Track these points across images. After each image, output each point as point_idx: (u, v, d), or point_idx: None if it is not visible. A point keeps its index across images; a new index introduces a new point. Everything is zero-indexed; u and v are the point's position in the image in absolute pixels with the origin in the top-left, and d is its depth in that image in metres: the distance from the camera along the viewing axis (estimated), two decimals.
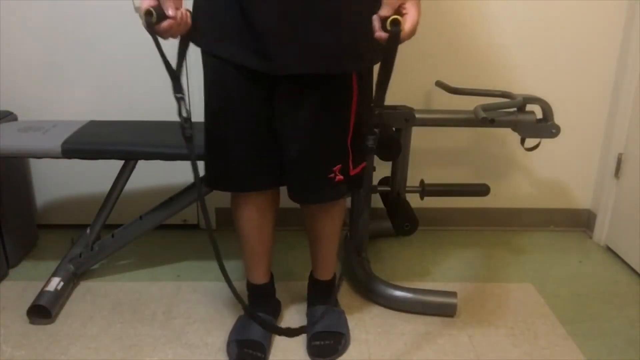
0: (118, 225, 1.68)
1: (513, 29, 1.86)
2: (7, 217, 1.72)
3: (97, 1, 1.77)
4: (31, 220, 1.92)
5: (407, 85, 1.91)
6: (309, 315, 1.49)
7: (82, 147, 1.50)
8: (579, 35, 1.88)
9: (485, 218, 2.10)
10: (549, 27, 1.87)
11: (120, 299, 1.61)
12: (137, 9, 1.78)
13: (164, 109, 1.81)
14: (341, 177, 1.25)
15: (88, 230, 1.67)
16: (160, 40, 1.03)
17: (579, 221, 2.11)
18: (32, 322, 1.49)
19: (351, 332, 1.47)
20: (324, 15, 1.09)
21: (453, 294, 1.55)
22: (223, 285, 1.68)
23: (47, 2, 1.77)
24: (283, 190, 1.32)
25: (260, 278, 1.45)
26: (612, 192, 1.95)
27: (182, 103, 1.09)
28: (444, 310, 1.54)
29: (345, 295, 1.64)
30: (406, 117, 1.57)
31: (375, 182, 1.73)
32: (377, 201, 1.77)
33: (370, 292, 1.61)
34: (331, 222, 1.40)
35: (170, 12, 1.00)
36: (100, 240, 1.67)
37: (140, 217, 1.65)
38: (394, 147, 1.48)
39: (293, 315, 1.54)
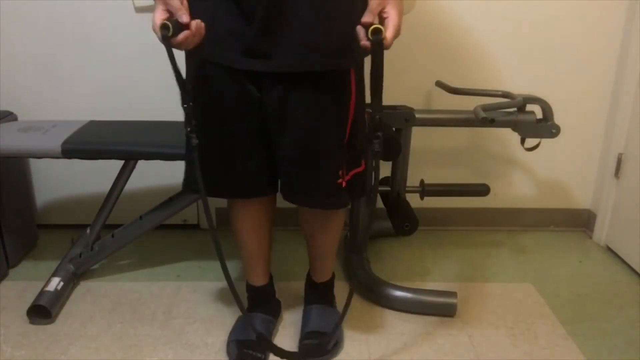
0: (118, 225, 1.68)
1: (513, 29, 1.86)
2: (7, 217, 1.72)
3: (97, 1, 1.77)
4: (31, 220, 1.92)
5: (407, 85, 1.91)
6: (304, 314, 1.47)
7: (82, 147, 1.50)
8: (579, 35, 1.88)
9: (485, 218, 2.10)
10: (549, 27, 1.87)
11: (120, 299, 1.62)
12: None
13: (164, 109, 1.81)
14: (341, 182, 1.22)
15: (88, 230, 1.67)
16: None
17: (579, 221, 2.11)
18: (32, 322, 1.49)
19: (351, 332, 1.47)
20: (317, 10, 1.07)
21: (453, 294, 1.55)
22: (223, 285, 1.69)
23: (47, 2, 1.77)
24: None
25: (259, 279, 1.45)
26: (612, 192, 1.95)
27: (189, 115, 1.07)
28: (444, 310, 1.54)
29: (345, 295, 1.63)
30: (406, 117, 1.57)
31: None
32: (377, 201, 1.76)
33: (370, 292, 1.61)
34: (330, 234, 1.39)
35: (184, 18, 0.99)
36: (100, 240, 1.67)
37: (140, 217, 1.65)
38: (394, 147, 1.48)
39: (293, 316, 1.53)
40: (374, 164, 1.16)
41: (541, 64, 1.91)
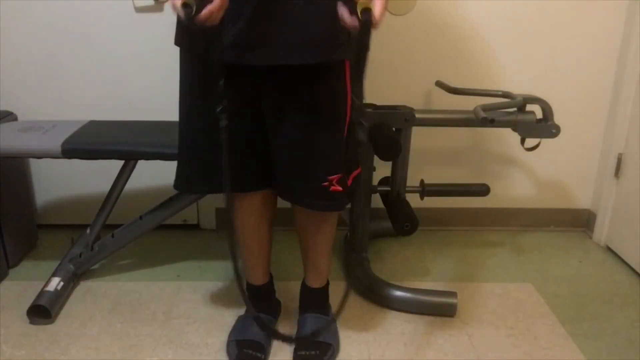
0: (118, 225, 1.68)
1: (513, 29, 1.86)
2: (7, 217, 1.72)
3: (97, 1, 1.77)
4: (31, 220, 1.92)
5: (407, 85, 1.91)
6: (299, 322, 1.44)
7: (82, 147, 1.50)
8: (579, 35, 1.88)
9: (485, 218, 2.10)
10: (549, 27, 1.87)
11: (120, 299, 1.62)
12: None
13: (164, 109, 1.81)
14: (338, 187, 1.21)
15: (88, 230, 1.67)
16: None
17: (579, 221, 2.11)
18: (32, 322, 1.49)
19: (351, 332, 1.47)
20: (308, 1, 1.05)
21: (453, 294, 1.55)
22: (223, 285, 1.69)
23: (47, 2, 1.77)
24: None
25: (259, 279, 1.45)
26: (612, 192, 1.95)
27: (220, 93, 1.06)
28: (444, 310, 1.54)
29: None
30: (406, 117, 1.57)
31: (375, 182, 1.73)
32: (377, 201, 1.77)
33: (370, 292, 1.61)
34: (322, 235, 1.37)
35: None
36: (100, 240, 1.67)
37: (140, 217, 1.65)
38: (394, 147, 1.48)
39: (293, 315, 1.53)
40: (357, 152, 1.11)
41: (541, 64, 1.91)
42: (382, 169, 1.72)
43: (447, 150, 2.01)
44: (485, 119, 1.45)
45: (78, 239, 1.78)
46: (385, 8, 0.96)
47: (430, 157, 2.02)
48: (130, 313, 1.55)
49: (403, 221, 1.56)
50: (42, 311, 1.49)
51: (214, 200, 2.00)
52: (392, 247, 1.95)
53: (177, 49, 1.20)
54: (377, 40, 1.79)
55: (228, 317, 1.52)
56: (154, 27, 1.80)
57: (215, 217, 2.06)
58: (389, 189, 1.69)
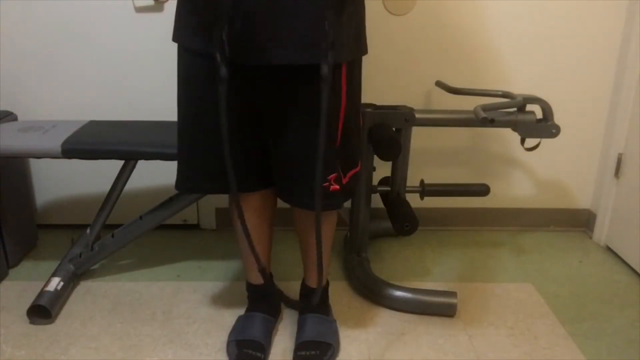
0: (118, 225, 1.68)
1: (513, 29, 1.86)
2: (7, 217, 1.72)
3: (97, 1, 1.78)
4: (31, 220, 1.92)
5: (407, 85, 1.91)
6: (299, 323, 1.44)
7: (82, 147, 1.50)
8: (579, 35, 1.88)
9: (485, 218, 2.10)
10: (548, 27, 1.87)
11: (120, 299, 1.62)
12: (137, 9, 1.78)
13: (164, 109, 1.82)
14: (336, 186, 1.21)
15: (88, 230, 1.67)
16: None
17: (579, 221, 2.11)
18: (32, 322, 1.49)
19: (351, 332, 1.47)
20: (305, 3, 1.04)
21: (453, 294, 1.55)
22: (223, 285, 1.69)
23: (47, 2, 1.77)
24: None
25: (259, 278, 1.45)
26: (612, 192, 1.95)
27: (223, 41, 1.05)
28: (444, 310, 1.54)
29: (344, 295, 1.64)
30: (406, 117, 1.57)
31: (375, 182, 1.73)
32: (377, 201, 1.77)
33: (370, 292, 1.61)
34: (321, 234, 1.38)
35: None
36: (100, 240, 1.67)
37: (140, 217, 1.65)
38: (394, 147, 1.48)
39: (293, 315, 1.53)
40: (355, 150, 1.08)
41: (541, 64, 1.91)
42: (382, 169, 1.72)
43: (447, 150, 2.01)
44: (485, 119, 1.45)
45: (78, 239, 1.78)
46: None
47: (430, 157, 2.02)
48: (130, 313, 1.55)
49: (403, 221, 1.55)
50: (42, 311, 1.49)
51: (214, 200, 2.00)
52: (392, 247, 1.95)
53: (177, 49, 1.20)
54: (377, 40, 1.80)
55: (228, 317, 1.52)
56: (154, 27, 1.80)
57: (215, 217, 2.06)
58: (389, 189, 1.69)
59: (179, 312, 1.56)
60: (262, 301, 1.47)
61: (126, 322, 1.51)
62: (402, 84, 1.90)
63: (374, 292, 1.60)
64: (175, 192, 1.63)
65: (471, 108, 1.51)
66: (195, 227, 2.07)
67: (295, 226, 1.39)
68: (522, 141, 1.64)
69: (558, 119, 1.56)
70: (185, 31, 1.15)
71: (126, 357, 1.37)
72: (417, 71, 1.90)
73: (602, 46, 1.89)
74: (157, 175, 1.96)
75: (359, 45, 1.20)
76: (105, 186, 1.65)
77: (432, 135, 1.97)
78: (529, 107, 1.56)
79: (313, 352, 1.35)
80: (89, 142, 1.52)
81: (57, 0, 1.77)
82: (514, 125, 1.56)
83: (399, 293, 1.57)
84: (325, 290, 1.48)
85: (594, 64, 1.91)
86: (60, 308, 1.56)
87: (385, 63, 1.87)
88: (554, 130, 1.55)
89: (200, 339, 1.44)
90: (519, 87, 1.91)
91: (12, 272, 1.75)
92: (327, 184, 1.20)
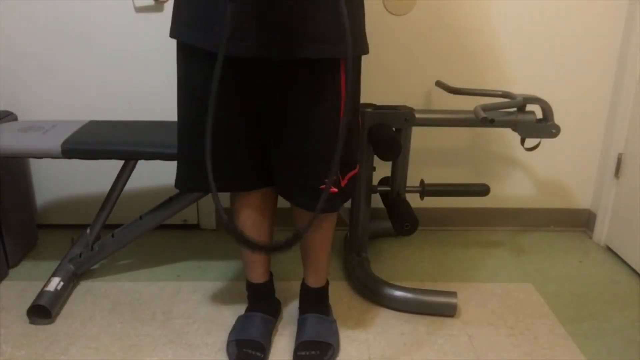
0: (118, 225, 1.68)
1: (513, 29, 1.86)
2: (7, 217, 1.72)
3: (97, 1, 1.78)
4: (31, 220, 1.92)
5: (407, 85, 1.91)
6: (299, 323, 1.44)
7: (82, 147, 1.50)
8: (579, 35, 1.88)
9: (485, 218, 2.10)
10: (549, 27, 1.87)
11: (120, 299, 1.62)
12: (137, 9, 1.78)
13: (164, 109, 1.82)
14: (334, 189, 1.20)
15: (88, 230, 1.67)
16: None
17: (579, 221, 2.11)
18: (32, 322, 1.49)
19: (351, 332, 1.47)
20: None
21: (453, 294, 1.55)
22: (223, 285, 1.69)
23: (47, 2, 1.77)
24: None
25: (259, 277, 1.45)
26: (612, 192, 1.95)
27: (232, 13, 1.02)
28: (444, 310, 1.54)
29: (345, 295, 1.64)
30: (406, 117, 1.57)
31: (375, 182, 1.73)
32: (377, 201, 1.77)
33: (370, 292, 1.61)
34: (321, 233, 1.37)
35: None
36: (100, 240, 1.67)
37: (140, 217, 1.65)
38: (394, 147, 1.48)
39: (293, 315, 1.53)
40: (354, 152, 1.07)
41: (541, 64, 1.91)
42: (382, 169, 1.72)
43: (447, 150, 2.01)
44: (485, 119, 1.45)
45: (78, 239, 1.78)
46: None
47: (430, 157, 2.02)
48: (130, 313, 1.55)
49: (403, 221, 1.56)
50: (42, 311, 1.49)
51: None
52: (392, 247, 1.95)
53: (176, 48, 1.20)
54: (378, 40, 1.80)
55: (228, 317, 1.52)
56: (154, 27, 1.80)
57: (215, 217, 2.06)
58: (389, 189, 1.69)
59: (179, 312, 1.56)
60: (262, 301, 1.47)
61: (126, 322, 1.51)
62: (402, 84, 1.90)
63: (374, 292, 1.60)
64: (175, 192, 1.64)
65: (471, 108, 1.51)
66: (195, 227, 2.07)
67: (294, 225, 1.39)
68: (522, 141, 1.64)
69: (558, 119, 1.56)
70: (182, 25, 1.14)
71: (126, 357, 1.37)
72: (417, 71, 1.90)
73: (602, 46, 1.89)
74: (157, 175, 1.96)
75: (358, 44, 1.20)
76: (105, 186, 1.65)
77: (432, 135, 1.97)
78: (529, 107, 1.56)
79: (313, 352, 1.35)
80: (89, 142, 1.52)
81: (57, 0, 1.77)
82: (514, 125, 1.56)
83: (399, 293, 1.57)
84: (325, 290, 1.48)
85: (594, 64, 1.91)
86: (60, 308, 1.56)
87: (385, 63, 1.87)
88: (554, 130, 1.55)
89: (200, 339, 1.45)
90: (519, 87, 1.91)
91: (12, 272, 1.75)
92: (324, 186, 1.19)
